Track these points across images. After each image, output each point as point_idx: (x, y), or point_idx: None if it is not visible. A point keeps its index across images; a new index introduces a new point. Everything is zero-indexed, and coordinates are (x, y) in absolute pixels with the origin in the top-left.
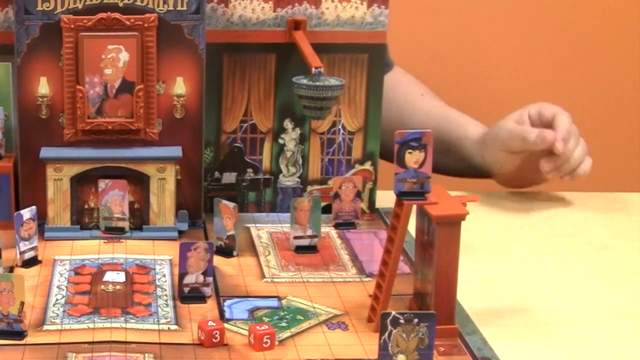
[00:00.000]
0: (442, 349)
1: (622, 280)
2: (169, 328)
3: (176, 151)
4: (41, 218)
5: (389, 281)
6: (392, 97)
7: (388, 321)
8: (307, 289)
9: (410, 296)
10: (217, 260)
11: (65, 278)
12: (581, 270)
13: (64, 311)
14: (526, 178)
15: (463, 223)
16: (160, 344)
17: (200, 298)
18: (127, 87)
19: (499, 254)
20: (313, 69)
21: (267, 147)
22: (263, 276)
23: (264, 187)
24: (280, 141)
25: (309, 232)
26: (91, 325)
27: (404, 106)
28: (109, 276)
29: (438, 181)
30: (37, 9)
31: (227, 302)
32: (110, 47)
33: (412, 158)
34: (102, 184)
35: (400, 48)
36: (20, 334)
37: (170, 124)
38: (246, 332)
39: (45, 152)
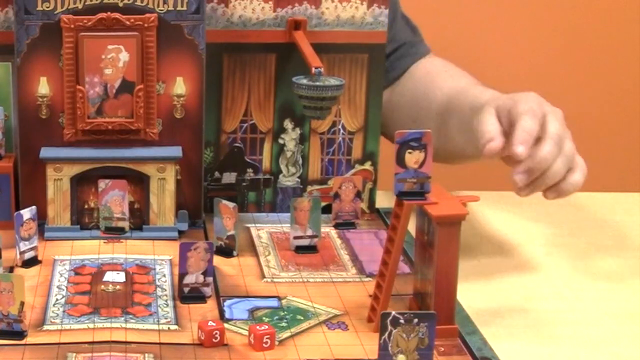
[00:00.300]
0: (442, 349)
1: (622, 280)
2: (169, 328)
3: (176, 151)
4: (41, 218)
5: (389, 281)
6: (417, 76)
7: (388, 321)
8: (307, 289)
9: (410, 296)
10: (217, 260)
11: (65, 278)
12: (581, 270)
13: (64, 311)
14: None
15: (463, 223)
16: (160, 344)
17: (200, 298)
18: (127, 87)
19: (499, 254)
20: (313, 69)
21: (267, 147)
22: (263, 276)
23: (264, 187)
24: (280, 141)
25: (309, 232)
26: (91, 325)
27: (426, 86)
28: (109, 276)
29: (438, 181)
30: (37, 9)
31: (227, 302)
32: (110, 47)
33: (412, 158)
34: (102, 184)
35: None
36: (20, 334)
37: (170, 124)
38: (246, 332)
39: (45, 152)
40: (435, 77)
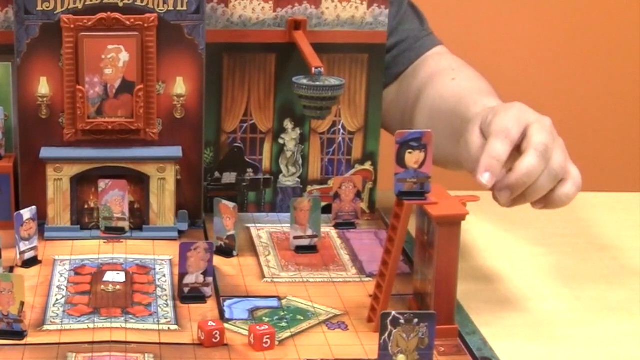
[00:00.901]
0: (442, 349)
1: (622, 280)
2: (169, 328)
3: (176, 151)
4: (41, 218)
5: (389, 281)
6: (420, 76)
7: (388, 321)
8: (307, 289)
9: (410, 296)
10: (217, 260)
11: (65, 278)
12: (581, 270)
13: (64, 311)
14: None
15: (463, 223)
16: (160, 344)
17: (200, 298)
18: (127, 87)
19: (499, 254)
20: (313, 69)
21: (267, 147)
22: (263, 276)
23: (264, 187)
24: (280, 141)
25: (309, 232)
26: (91, 325)
27: (427, 88)
28: (109, 276)
29: (438, 181)
30: (37, 9)
31: (227, 302)
32: (110, 47)
33: (412, 158)
34: (102, 184)
35: None
36: (20, 334)
37: (170, 124)
38: (246, 332)
39: (45, 152)
40: (437, 78)
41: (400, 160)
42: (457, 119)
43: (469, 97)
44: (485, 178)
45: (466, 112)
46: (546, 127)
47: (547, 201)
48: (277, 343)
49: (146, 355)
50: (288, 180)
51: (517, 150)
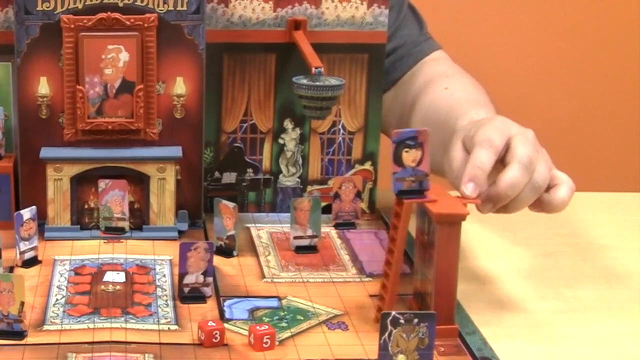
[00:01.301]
0: (442, 349)
1: (622, 280)
2: (169, 328)
3: (176, 151)
4: (41, 218)
5: (392, 281)
6: (418, 82)
7: (388, 321)
8: (307, 289)
9: (410, 296)
10: (217, 260)
11: (65, 278)
12: (581, 270)
13: (64, 311)
14: None
15: (463, 223)
16: (160, 344)
17: (200, 298)
18: (127, 87)
19: (499, 254)
20: (313, 69)
21: (267, 147)
22: (263, 276)
23: (264, 187)
24: (280, 141)
25: (309, 232)
26: (91, 326)
27: (422, 95)
28: (109, 276)
29: (438, 181)
30: (37, 9)
31: (227, 302)
32: (110, 47)
33: (410, 156)
34: (102, 184)
35: None
36: (20, 334)
37: (170, 124)
38: (246, 332)
39: (45, 152)
40: (431, 86)
41: (397, 159)
42: (447, 130)
43: (459, 107)
44: (469, 189)
45: (454, 124)
46: (529, 140)
47: (542, 206)
48: (277, 343)
49: (146, 355)
50: (288, 180)
51: (501, 163)
